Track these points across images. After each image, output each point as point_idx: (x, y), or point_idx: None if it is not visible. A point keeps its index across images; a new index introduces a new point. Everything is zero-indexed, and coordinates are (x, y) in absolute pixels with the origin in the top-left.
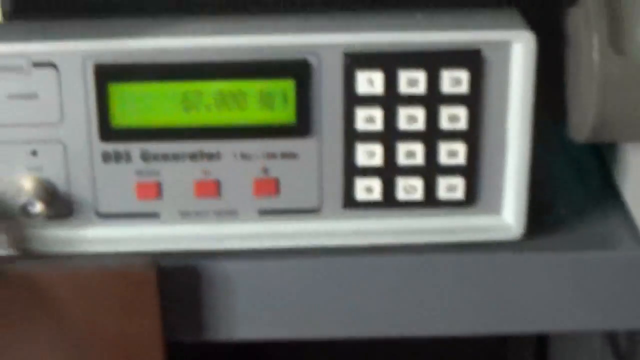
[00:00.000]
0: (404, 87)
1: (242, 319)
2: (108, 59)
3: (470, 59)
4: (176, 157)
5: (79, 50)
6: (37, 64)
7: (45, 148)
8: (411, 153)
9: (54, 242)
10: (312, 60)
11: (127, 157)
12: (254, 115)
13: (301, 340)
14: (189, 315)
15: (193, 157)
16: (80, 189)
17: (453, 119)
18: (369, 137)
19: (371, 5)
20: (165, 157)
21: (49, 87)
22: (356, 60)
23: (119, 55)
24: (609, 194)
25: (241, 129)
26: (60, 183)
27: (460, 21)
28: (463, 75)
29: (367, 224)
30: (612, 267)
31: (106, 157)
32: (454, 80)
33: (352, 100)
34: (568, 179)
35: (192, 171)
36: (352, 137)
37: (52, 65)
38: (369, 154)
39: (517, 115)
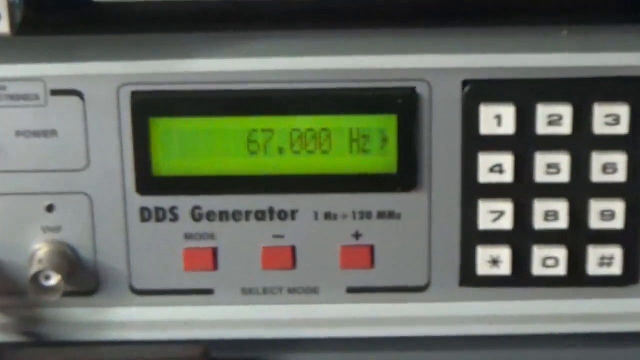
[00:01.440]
0: (542, 126)
1: None
2: (150, 86)
3: (632, 89)
4: (238, 215)
5: (112, 75)
6: (56, 92)
7: (65, 202)
8: (552, 213)
9: (75, 326)
10: (421, 89)
11: (173, 216)
12: (343, 161)
13: None
14: None
15: (261, 216)
16: (110, 257)
17: (608, 168)
18: (495, 191)
19: (500, 19)
20: (223, 215)
21: (72, 122)
22: (479, 89)
23: (164, 81)
24: None
25: (325, 180)
26: (84, 248)
27: (618, 40)
28: (622, 110)
29: (491, 307)
30: None
31: (145, 215)
32: (610, 117)
33: (474, 142)
34: None
35: (259, 235)
36: (472, 191)
37: (76, 93)
38: (495, 215)
39: None
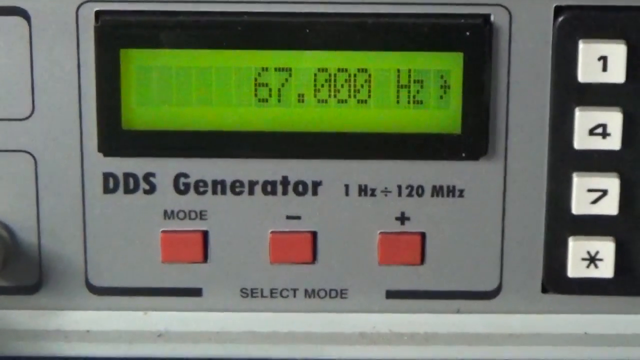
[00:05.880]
0: None
1: None
2: (121, 5)
3: None
4: (238, 188)
5: None
6: None
7: (0, 163)
8: None
9: (10, 336)
10: (498, 18)
11: (149, 186)
12: (386, 116)
13: None
14: None
15: (270, 189)
16: (59, 242)
17: None
18: (596, 162)
19: None
20: (218, 187)
21: (12, 54)
22: (579, 20)
23: (140, 0)
24: None
25: (361, 142)
26: (23, 229)
27: None
28: None
29: (585, 323)
30: None
31: (110, 185)
32: None
33: (569, 94)
34: None
35: (266, 215)
36: (565, 162)
37: (20, 12)
38: (596, 195)
39: None
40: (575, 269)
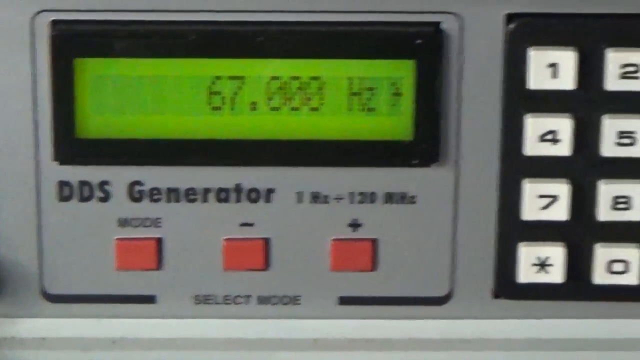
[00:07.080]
0: (613, 80)
1: None
2: (77, 15)
3: None
4: (192, 195)
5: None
6: None
7: None
8: (623, 200)
9: None
10: (449, 25)
11: (104, 194)
12: (339, 123)
13: None
14: None
15: (223, 196)
16: (14, 250)
17: None
18: (546, 168)
19: None
20: (172, 195)
21: None
22: (529, 28)
23: (96, 8)
24: None
25: (313, 149)
26: None
27: None
28: None
29: (536, 328)
30: None
31: (65, 193)
32: None
33: (519, 101)
34: None
35: (220, 223)
36: (515, 168)
37: None
38: (546, 201)
39: None
40: (526, 274)
